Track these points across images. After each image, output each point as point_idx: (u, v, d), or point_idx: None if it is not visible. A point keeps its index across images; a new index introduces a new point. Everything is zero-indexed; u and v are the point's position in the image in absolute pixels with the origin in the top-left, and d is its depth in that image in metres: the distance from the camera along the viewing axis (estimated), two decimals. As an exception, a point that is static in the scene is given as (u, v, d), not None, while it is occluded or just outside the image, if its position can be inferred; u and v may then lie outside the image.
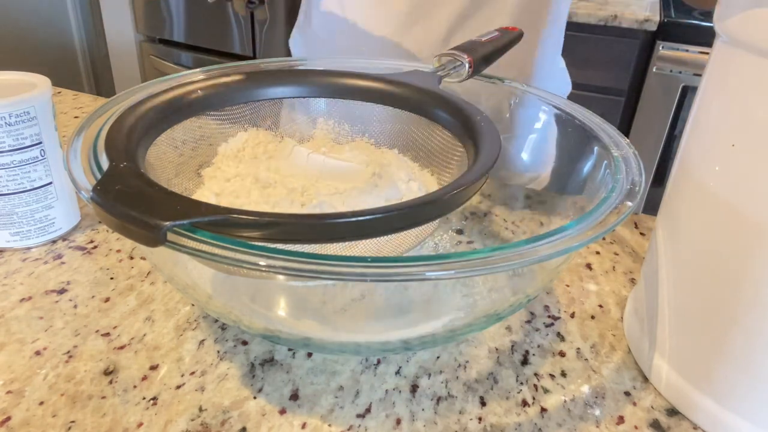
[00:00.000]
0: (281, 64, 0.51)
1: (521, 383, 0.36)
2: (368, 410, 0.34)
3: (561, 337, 0.40)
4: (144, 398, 0.34)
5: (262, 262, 0.26)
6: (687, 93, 1.53)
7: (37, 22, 1.95)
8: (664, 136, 1.59)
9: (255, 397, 0.34)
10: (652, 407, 0.35)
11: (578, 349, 0.39)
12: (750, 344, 0.31)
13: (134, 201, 0.27)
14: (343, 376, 0.36)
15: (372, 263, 0.26)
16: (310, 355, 0.37)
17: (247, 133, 0.45)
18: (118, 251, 0.46)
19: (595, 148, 0.41)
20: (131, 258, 0.46)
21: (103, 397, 0.34)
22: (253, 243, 0.26)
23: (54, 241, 0.47)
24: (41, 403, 0.33)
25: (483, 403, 0.35)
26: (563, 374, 0.37)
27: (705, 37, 1.45)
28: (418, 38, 0.64)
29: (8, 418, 0.32)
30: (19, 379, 0.34)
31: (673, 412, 0.35)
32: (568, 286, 0.45)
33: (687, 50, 1.47)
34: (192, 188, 0.43)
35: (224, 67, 0.47)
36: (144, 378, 0.35)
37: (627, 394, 0.36)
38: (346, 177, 0.40)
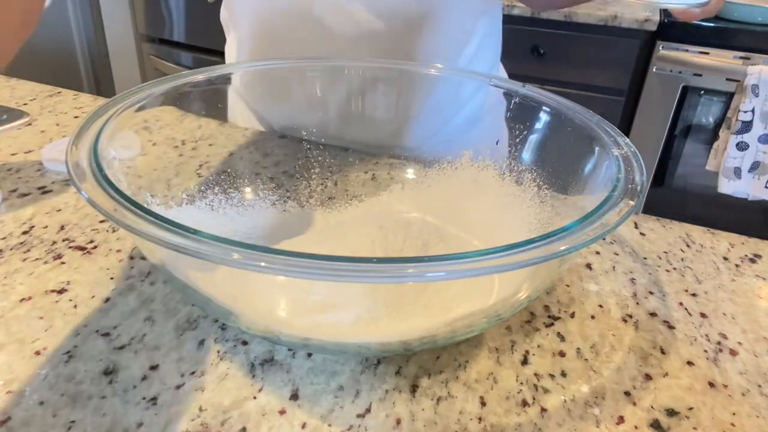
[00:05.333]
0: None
1: (521, 383, 0.36)
2: (368, 410, 0.34)
3: (561, 337, 0.40)
4: (144, 398, 0.34)
5: (263, 262, 0.26)
6: (687, 93, 1.53)
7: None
8: (664, 136, 1.59)
9: (255, 397, 0.34)
10: (652, 407, 0.35)
11: (578, 349, 0.39)
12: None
13: None
14: (343, 376, 0.36)
15: (376, 263, 0.26)
16: (310, 355, 0.37)
17: None
18: (118, 251, 0.46)
19: (596, 148, 0.41)
20: (131, 258, 0.45)
21: (103, 397, 0.34)
22: (252, 244, 0.26)
23: (54, 242, 0.47)
24: (41, 403, 0.33)
25: (483, 403, 0.35)
26: (563, 374, 0.37)
27: (705, 37, 1.45)
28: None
29: (8, 418, 0.32)
30: (19, 379, 0.34)
31: (672, 412, 0.35)
32: (568, 286, 0.45)
33: (687, 50, 1.47)
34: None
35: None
36: (144, 378, 0.35)
37: (627, 394, 0.36)
38: None
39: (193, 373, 0.36)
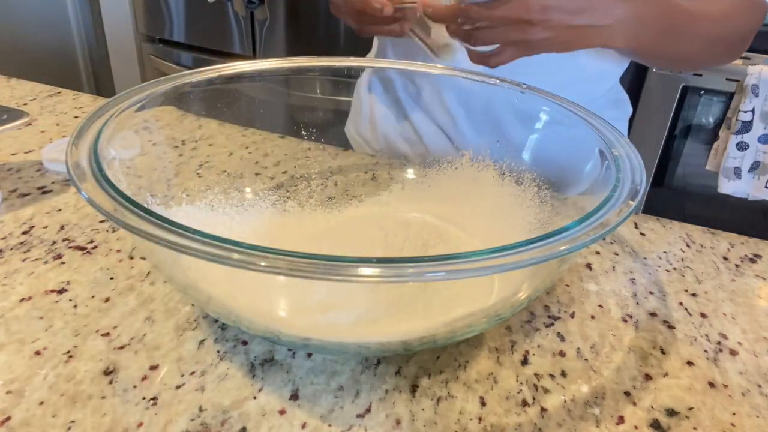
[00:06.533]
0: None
1: (521, 383, 0.36)
2: (368, 410, 0.34)
3: (561, 337, 0.40)
4: (144, 398, 0.34)
5: (263, 262, 0.26)
6: (687, 93, 1.53)
7: (37, 22, 1.95)
8: (664, 136, 1.59)
9: (255, 397, 0.34)
10: (652, 407, 0.35)
11: (578, 349, 0.39)
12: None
13: None
14: (343, 376, 0.36)
15: (376, 263, 0.26)
16: (310, 355, 0.37)
17: None
18: (118, 251, 0.46)
19: (596, 148, 0.41)
20: (131, 258, 0.45)
21: (103, 397, 0.34)
22: (252, 244, 0.26)
23: (54, 242, 0.47)
24: (41, 403, 0.33)
25: (483, 403, 0.35)
26: (563, 374, 0.37)
27: (705, 37, 1.45)
28: None
29: (8, 418, 0.32)
30: (19, 379, 0.34)
31: (672, 412, 0.35)
32: (568, 286, 0.45)
33: (687, 50, 1.47)
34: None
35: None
36: (144, 378, 0.35)
37: (627, 394, 0.36)
38: None
39: (193, 373, 0.36)
